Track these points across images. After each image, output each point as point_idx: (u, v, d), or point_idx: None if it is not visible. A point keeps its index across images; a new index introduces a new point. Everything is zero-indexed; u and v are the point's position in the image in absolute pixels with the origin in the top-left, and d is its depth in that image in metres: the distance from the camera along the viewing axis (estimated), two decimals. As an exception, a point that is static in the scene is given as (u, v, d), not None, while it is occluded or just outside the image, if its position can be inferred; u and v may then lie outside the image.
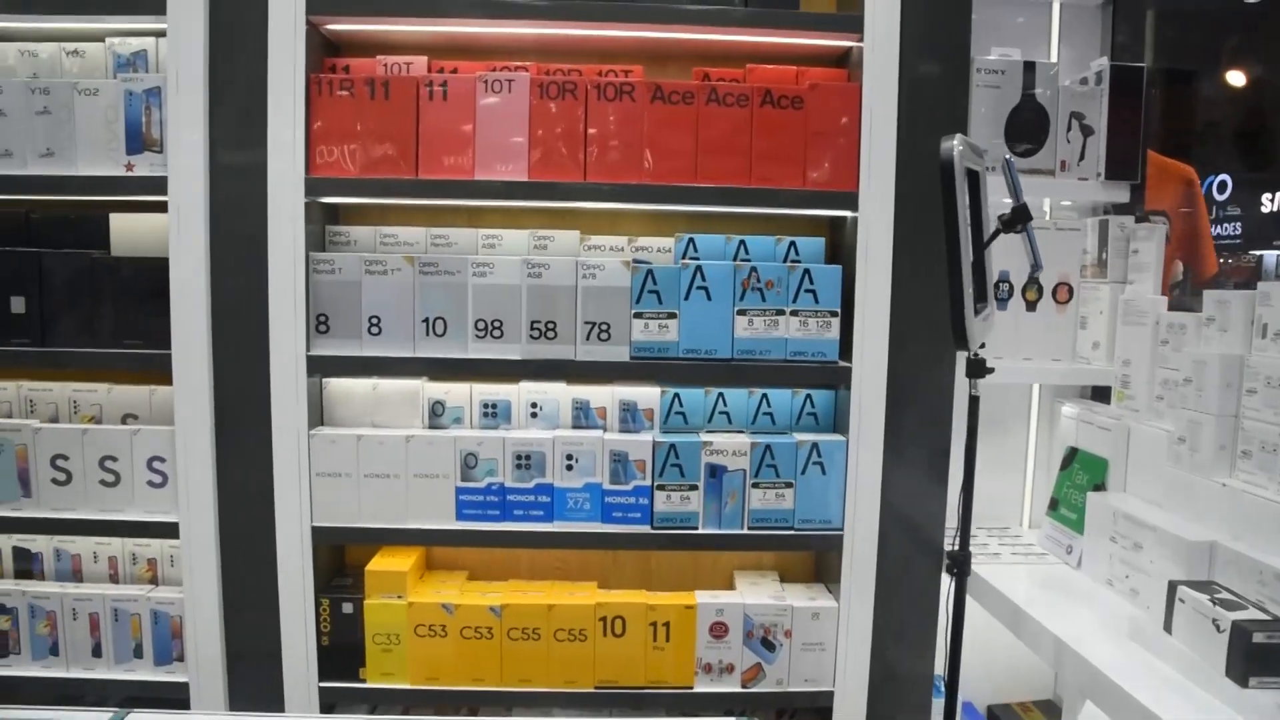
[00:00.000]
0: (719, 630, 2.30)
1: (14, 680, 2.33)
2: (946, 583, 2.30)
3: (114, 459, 2.26)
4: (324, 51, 2.30)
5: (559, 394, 2.33)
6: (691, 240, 2.32)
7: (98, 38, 2.30)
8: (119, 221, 2.31)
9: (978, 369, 1.80)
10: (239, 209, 2.18)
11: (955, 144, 1.63)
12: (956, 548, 1.88)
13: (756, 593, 2.37)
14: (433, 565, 2.51)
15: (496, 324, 2.21)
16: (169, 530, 2.26)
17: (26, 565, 2.41)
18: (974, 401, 1.83)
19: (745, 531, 2.29)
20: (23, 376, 2.37)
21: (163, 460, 2.26)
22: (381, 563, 2.32)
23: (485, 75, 2.18)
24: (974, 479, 1.87)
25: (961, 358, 1.84)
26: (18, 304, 2.23)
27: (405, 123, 2.18)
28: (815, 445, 2.27)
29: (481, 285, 2.20)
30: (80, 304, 2.23)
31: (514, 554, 2.52)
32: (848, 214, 2.26)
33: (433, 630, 2.28)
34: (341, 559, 2.51)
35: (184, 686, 2.30)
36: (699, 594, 2.34)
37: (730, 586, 2.49)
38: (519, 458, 2.24)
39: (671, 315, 2.22)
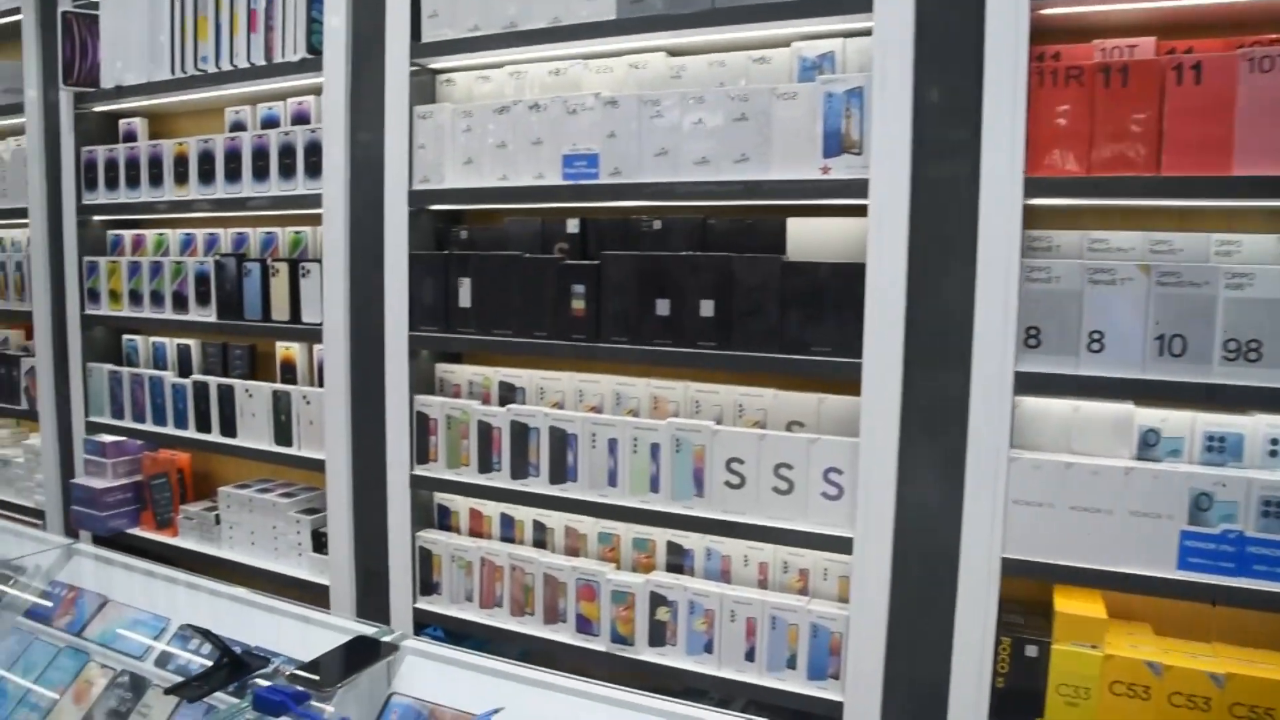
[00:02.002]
0: None
1: (670, 670, 2.40)
2: None
3: (788, 467, 2.23)
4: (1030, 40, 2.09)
5: (1309, 430, 1.95)
6: None
7: (783, 44, 2.29)
8: (796, 226, 2.28)
9: None
10: (943, 211, 2.05)
11: None
12: None
13: None
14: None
15: (1253, 345, 1.87)
16: (839, 544, 2.20)
17: (678, 560, 2.47)
18: None
19: None
20: (698, 378, 2.42)
21: (839, 472, 2.19)
22: (1070, 605, 2.08)
23: (1251, 52, 1.85)
24: None
25: None
26: (707, 308, 2.27)
27: (1146, 112, 1.91)
28: None
29: (1236, 299, 1.88)
30: (766, 309, 2.22)
31: (1198, 611, 2.17)
32: None
33: (1132, 690, 2.00)
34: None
35: (838, 705, 2.23)
36: None
37: None
38: (1267, 504, 1.89)
39: None
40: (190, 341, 3.24)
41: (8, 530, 2.34)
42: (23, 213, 3.53)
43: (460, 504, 2.76)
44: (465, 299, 2.55)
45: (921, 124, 2.06)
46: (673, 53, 2.41)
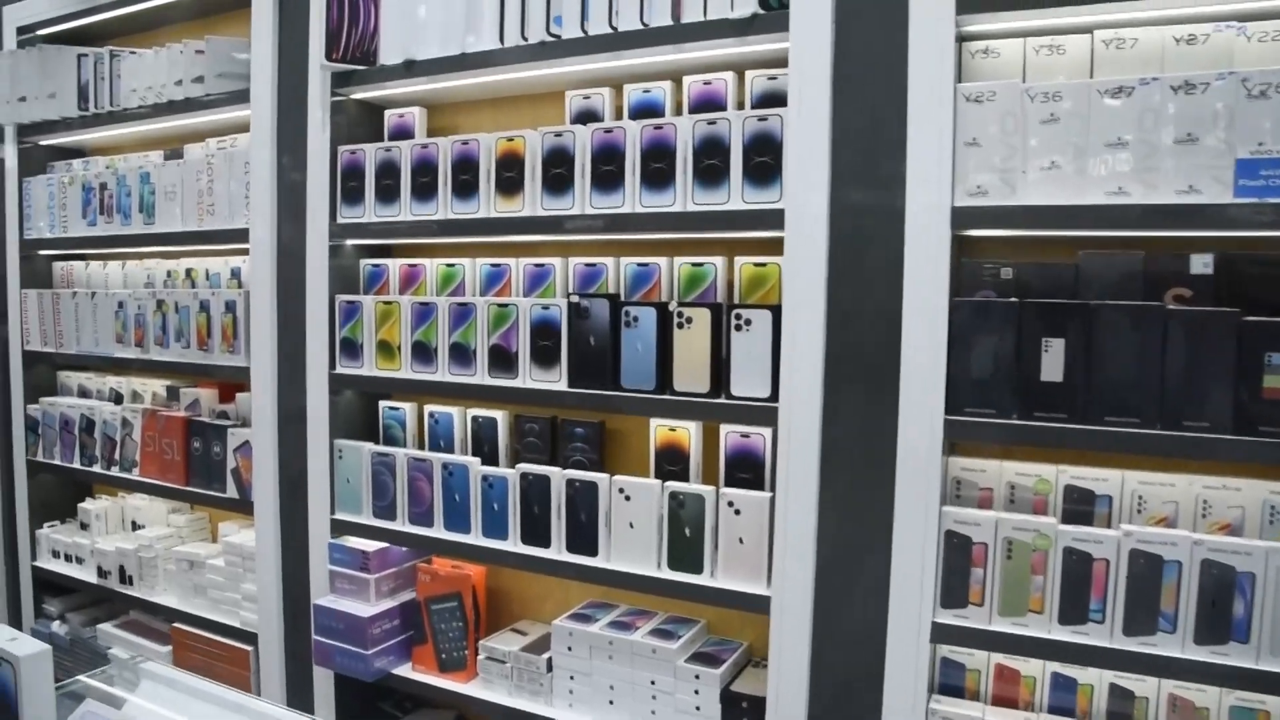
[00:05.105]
0: None
1: None
2: None
3: None
4: None
5: None
6: None
7: None
8: None
9: None
10: None
11: None
12: None
13: None
14: None
15: None
16: None
17: None
18: None
19: None
20: None
21: None
22: None
23: None
24: None
25: None
26: None
27: None
28: None
29: None
30: None
31: None
32: None
33: None
34: None
35: None
36: None
37: None
38: None
39: None
40: (495, 414, 2.34)
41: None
42: (238, 236, 2.59)
43: (979, 659, 1.92)
44: (1054, 370, 1.73)
45: None
46: (1398, 12, 1.64)
